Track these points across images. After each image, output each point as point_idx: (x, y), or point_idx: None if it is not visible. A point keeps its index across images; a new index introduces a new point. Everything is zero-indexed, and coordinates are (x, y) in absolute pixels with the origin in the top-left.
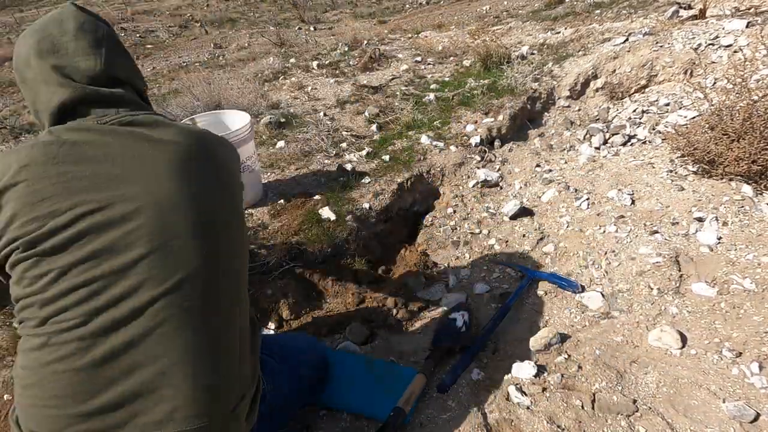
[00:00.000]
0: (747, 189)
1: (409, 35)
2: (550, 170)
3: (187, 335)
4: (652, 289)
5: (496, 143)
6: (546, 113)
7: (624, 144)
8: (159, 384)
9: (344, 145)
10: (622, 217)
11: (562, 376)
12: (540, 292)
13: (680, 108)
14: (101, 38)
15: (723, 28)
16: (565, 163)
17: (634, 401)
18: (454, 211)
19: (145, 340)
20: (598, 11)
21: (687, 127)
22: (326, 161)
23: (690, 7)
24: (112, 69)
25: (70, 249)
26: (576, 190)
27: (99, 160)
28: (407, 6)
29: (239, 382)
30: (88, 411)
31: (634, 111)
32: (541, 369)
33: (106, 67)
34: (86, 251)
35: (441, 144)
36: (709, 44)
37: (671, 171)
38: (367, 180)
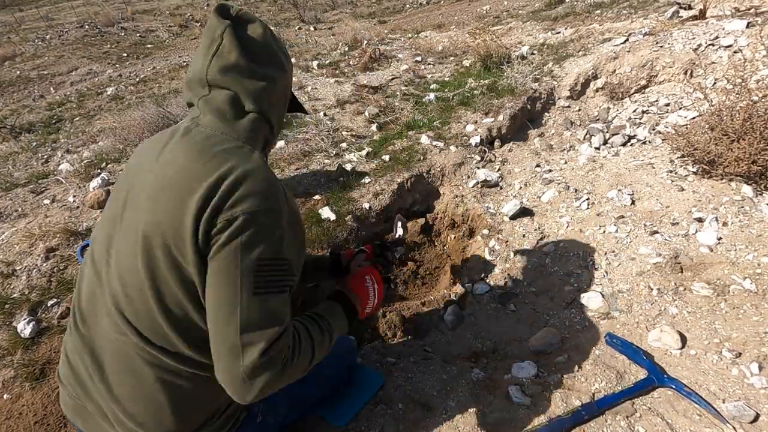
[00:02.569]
0: (747, 189)
1: (409, 35)
2: (550, 170)
3: None
4: (652, 289)
5: (496, 143)
6: (546, 113)
7: (624, 144)
8: None
9: (344, 145)
10: (622, 217)
11: (562, 376)
12: (540, 294)
13: (680, 108)
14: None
15: (723, 29)
16: (565, 163)
17: (634, 402)
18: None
19: None
20: (598, 11)
21: (687, 128)
22: (326, 161)
23: (690, 8)
24: None
25: None
26: (576, 190)
27: None
28: (407, 6)
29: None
30: None
31: (634, 111)
32: (541, 369)
33: None
34: None
35: (441, 144)
36: (709, 44)
37: (671, 171)
38: (367, 180)
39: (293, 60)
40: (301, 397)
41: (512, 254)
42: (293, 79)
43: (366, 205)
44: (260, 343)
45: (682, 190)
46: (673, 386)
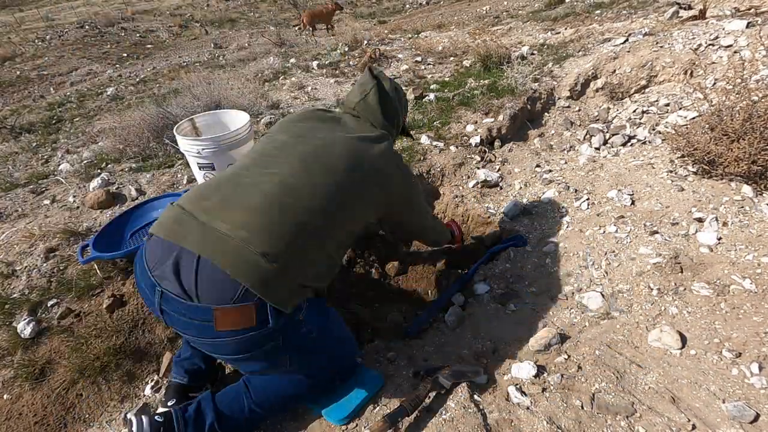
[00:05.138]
0: (747, 189)
1: (409, 35)
2: (550, 170)
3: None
4: (652, 289)
5: (496, 143)
6: (546, 113)
7: (624, 144)
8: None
9: None
10: (622, 217)
11: (562, 376)
12: (540, 294)
13: (680, 108)
14: None
15: (723, 29)
16: (565, 163)
17: (634, 402)
18: None
19: None
20: (598, 11)
21: (687, 128)
22: None
23: (690, 8)
24: None
25: None
26: (576, 191)
27: None
28: (407, 6)
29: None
30: None
31: (634, 111)
32: (541, 369)
33: None
34: None
35: (441, 144)
36: (709, 45)
37: (671, 171)
38: None
39: (293, 60)
40: (321, 337)
41: (512, 254)
42: (294, 79)
43: None
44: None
45: (682, 190)
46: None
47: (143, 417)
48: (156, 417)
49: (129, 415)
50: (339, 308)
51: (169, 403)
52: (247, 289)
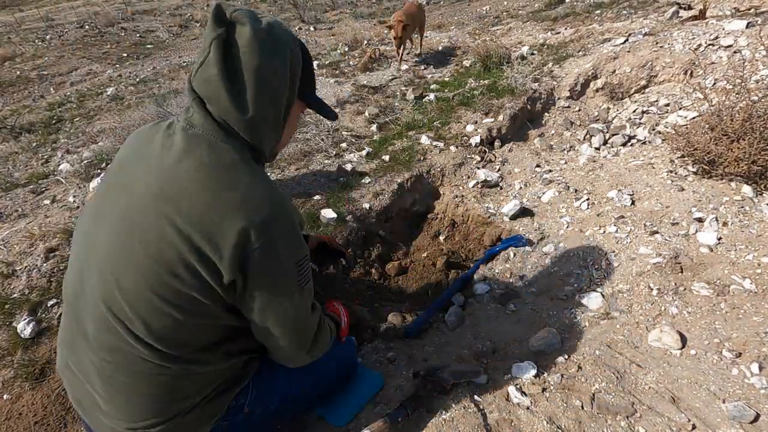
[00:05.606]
0: (747, 189)
1: None
2: (550, 170)
3: None
4: (652, 289)
5: (496, 143)
6: (546, 113)
7: (624, 144)
8: None
9: (344, 145)
10: (622, 217)
11: (562, 376)
12: (540, 294)
13: (680, 108)
14: None
15: (723, 29)
16: (565, 163)
17: (634, 402)
18: None
19: None
20: (598, 12)
21: (687, 128)
22: (326, 161)
23: (690, 8)
24: None
25: None
26: (576, 191)
27: None
28: None
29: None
30: None
31: (634, 111)
32: (541, 369)
33: None
34: None
35: (441, 144)
36: (709, 45)
37: (671, 171)
38: (367, 180)
39: None
40: (292, 392)
41: (512, 254)
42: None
43: (366, 206)
44: (314, 326)
45: (682, 190)
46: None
47: None
48: None
49: None
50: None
51: None
52: None
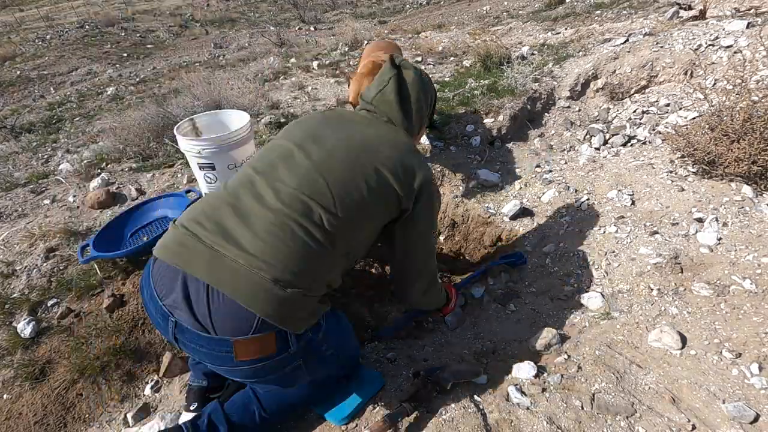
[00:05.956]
0: (747, 190)
1: (410, 35)
2: (551, 170)
3: None
4: (652, 289)
5: (496, 143)
6: (546, 113)
7: (624, 144)
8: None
9: None
10: (622, 217)
11: (562, 376)
12: (540, 294)
13: (680, 108)
14: None
15: (723, 29)
16: (565, 163)
17: (634, 402)
18: None
19: None
20: (598, 12)
21: (687, 128)
22: None
23: (690, 8)
24: None
25: None
26: (576, 191)
27: None
28: (407, 6)
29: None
30: None
31: (635, 111)
32: (541, 369)
33: None
34: None
35: (441, 144)
36: (710, 45)
37: (671, 171)
38: None
39: (293, 60)
40: (336, 350)
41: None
42: (294, 79)
43: None
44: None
45: (682, 190)
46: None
47: None
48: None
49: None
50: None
51: (192, 407)
52: (264, 318)
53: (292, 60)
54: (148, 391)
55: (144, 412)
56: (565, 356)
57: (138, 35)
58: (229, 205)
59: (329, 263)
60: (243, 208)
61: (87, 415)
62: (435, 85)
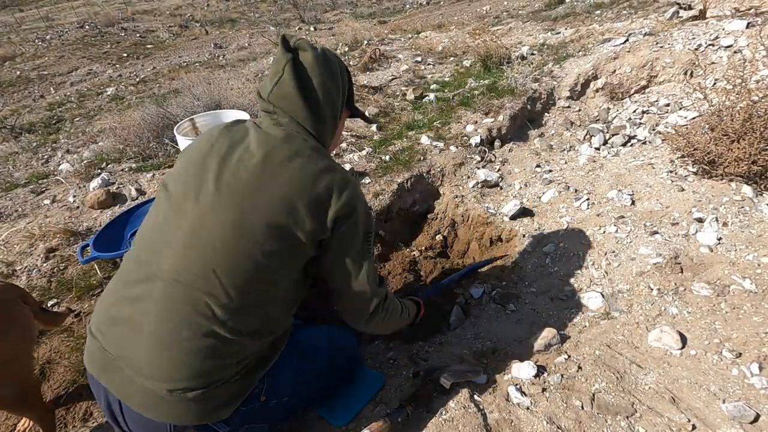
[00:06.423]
0: (747, 189)
1: (409, 35)
2: (550, 170)
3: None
4: (652, 289)
5: (496, 143)
6: (546, 113)
7: (624, 144)
8: None
9: (344, 145)
10: (622, 217)
11: (562, 376)
12: (540, 294)
13: (680, 108)
14: None
15: (723, 29)
16: (565, 163)
17: (634, 402)
18: None
19: None
20: (598, 12)
21: (687, 128)
22: None
23: (690, 8)
24: None
25: None
26: (576, 191)
27: None
28: (407, 6)
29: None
30: None
31: (634, 111)
32: (541, 369)
33: None
34: None
35: (441, 144)
36: (709, 45)
37: (671, 171)
38: (367, 180)
39: None
40: (304, 380)
41: (515, 252)
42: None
43: None
44: (381, 295)
45: (682, 190)
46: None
47: None
48: None
49: None
50: None
51: None
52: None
53: None
54: None
55: None
56: (565, 356)
57: (138, 35)
58: (121, 302)
59: (239, 345)
60: (131, 311)
61: (87, 415)
62: (434, 85)
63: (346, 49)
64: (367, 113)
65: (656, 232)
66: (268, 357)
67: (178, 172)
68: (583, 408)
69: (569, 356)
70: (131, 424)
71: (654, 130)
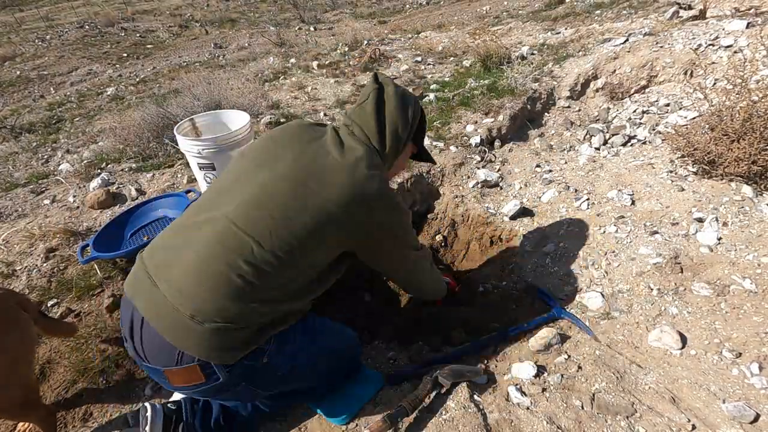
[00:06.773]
0: (747, 189)
1: (409, 35)
2: (550, 170)
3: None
4: (652, 289)
5: (496, 143)
6: (546, 113)
7: (624, 144)
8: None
9: None
10: (622, 217)
11: (562, 376)
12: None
13: (680, 108)
14: None
15: (723, 29)
16: (565, 163)
17: (634, 402)
18: None
19: None
20: (598, 11)
21: (687, 128)
22: None
23: (690, 8)
24: None
25: None
26: (576, 191)
27: None
28: (407, 6)
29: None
30: None
31: (634, 111)
32: (541, 369)
33: None
34: None
35: (441, 144)
36: (710, 45)
37: (671, 171)
38: None
39: (293, 60)
40: (305, 360)
41: (518, 251)
42: (294, 79)
43: None
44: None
45: (682, 190)
46: (562, 315)
47: (156, 404)
48: (169, 404)
49: (144, 403)
50: (348, 296)
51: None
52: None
53: (292, 60)
54: (148, 391)
55: None
56: (565, 356)
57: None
58: (177, 235)
59: (266, 302)
60: (183, 239)
61: (87, 415)
62: (434, 85)
63: (346, 49)
64: None
65: (656, 232)
66: (278, 324)
67: (259, 145)
68: (583, 408)
69: (569, 356)
70: (145, 344)
71: (654, 130)
